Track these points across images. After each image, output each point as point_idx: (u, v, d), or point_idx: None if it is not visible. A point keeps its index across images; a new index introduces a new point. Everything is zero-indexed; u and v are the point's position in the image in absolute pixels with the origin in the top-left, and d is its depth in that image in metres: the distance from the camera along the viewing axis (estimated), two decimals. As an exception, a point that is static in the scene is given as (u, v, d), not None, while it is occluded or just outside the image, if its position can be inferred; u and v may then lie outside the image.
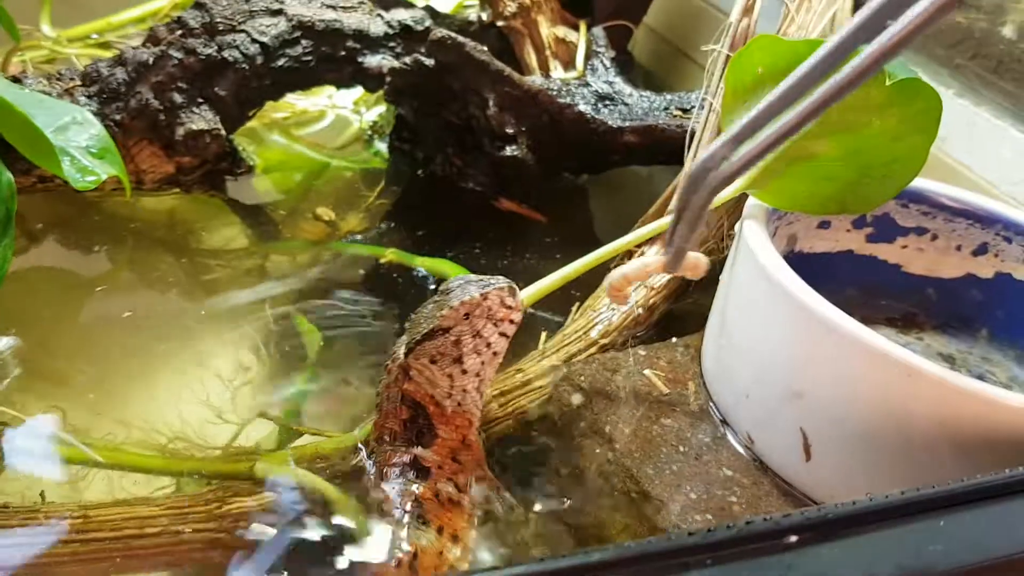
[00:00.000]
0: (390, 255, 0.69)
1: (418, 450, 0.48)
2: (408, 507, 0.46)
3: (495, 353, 0.50)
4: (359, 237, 0.76)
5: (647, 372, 0.60)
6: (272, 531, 0.48)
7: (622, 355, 0.61)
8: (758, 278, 0.53)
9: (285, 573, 0.46)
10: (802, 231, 0.65)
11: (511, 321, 0.50)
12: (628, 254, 0.69)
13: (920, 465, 0.47)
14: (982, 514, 0.36)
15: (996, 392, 0.45)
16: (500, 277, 0.51)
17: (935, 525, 0.35)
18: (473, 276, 0.51)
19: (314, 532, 0.48)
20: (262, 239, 0.77)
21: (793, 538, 0.34)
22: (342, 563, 0.47)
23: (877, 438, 0.48)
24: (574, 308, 0.66)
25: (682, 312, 0.69)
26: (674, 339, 0.64)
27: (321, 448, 0.51)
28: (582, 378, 0.58)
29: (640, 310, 0.64)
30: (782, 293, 0.50)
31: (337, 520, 0.48)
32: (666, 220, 0.61)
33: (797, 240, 0.66)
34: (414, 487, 0.47)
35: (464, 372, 0.49)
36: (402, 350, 0.49)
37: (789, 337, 0.51)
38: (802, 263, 0.65)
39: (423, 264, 0.68)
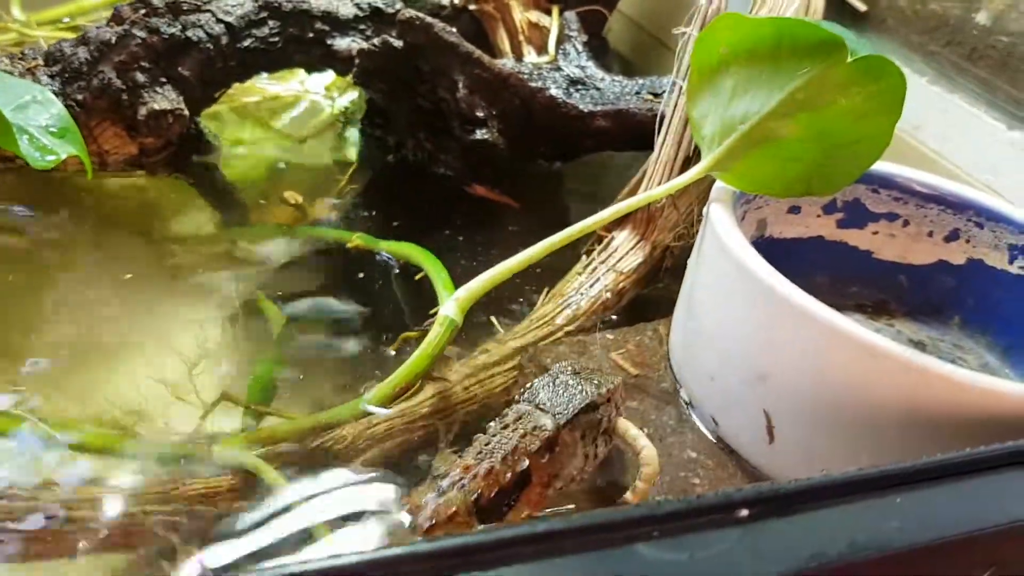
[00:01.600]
0: (356, 239, 0.68)
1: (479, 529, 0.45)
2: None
3: (608, 445, 0.50)
4: (329, 222, 0.75)
5: (613, 355, 0.59)
6: (226, 516, 0.47)
7: (589, 339, 0.61)
8: (724, 261, 0.52)
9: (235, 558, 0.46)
10: (772, 216, 0.65)
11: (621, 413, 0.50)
12: (598, 239, 0.69)
13: (886, 449, 0.47)
14: (940, 492, 0.36)
15: (964, 375, 0.44)
16: (611, 374, 0.51)
17: (891, 502, 0.35)
18: (584, 367, 0.51)
19: (265, 519, 0.47)
20: (229, 224, 0.76)
21: (744, 512, 0.33)
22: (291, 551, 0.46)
23: (841, 421, 0.47)
24: (543, 293, 0.65)
25: (652, 297, 0.68)
26: (643, 323, 0.64)
27: (277, 431, 0.50)
28: (548, 360, 0.58)
29: (608, 295, 0.64)
30: (747, 275, 0.50)
31: (280, 506, 0.47)
32: (632, 202, 0.60)
33: (767, 225, 0.65)
34: None
35: (595, 456, 0.48)
36: (550, 421, 0.46)
37: (753, 319, 0.50)
38: (772, 248, 0.65)
39: (388, 248, 0.67)
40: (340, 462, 0.51)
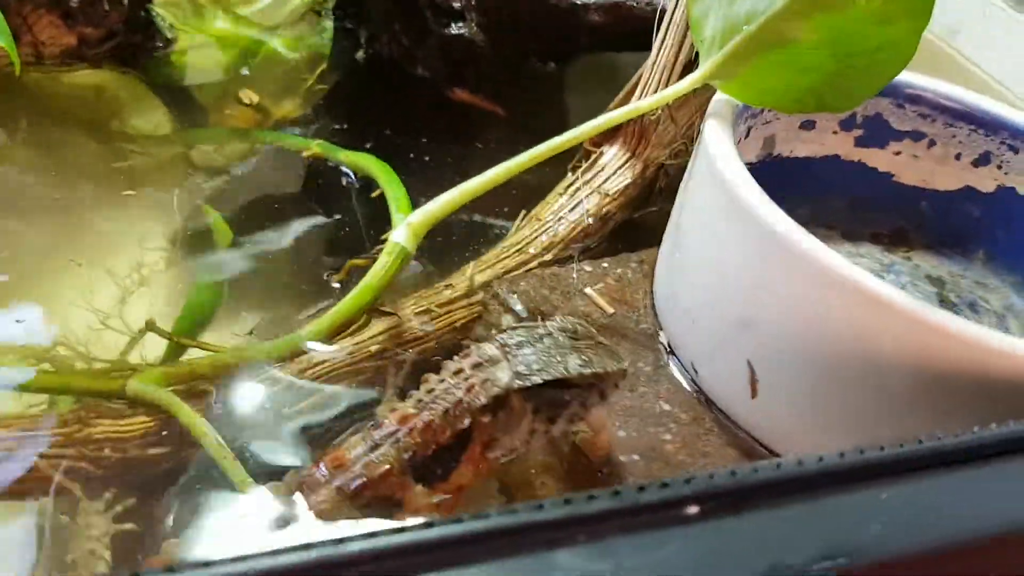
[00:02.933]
0: (315, 148, 0.61)
1: (417, 489, 0.39)
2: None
3: (580, 423, 0.42)
4: (293, 126, 0.69)
5: (589, 290, 0.53)
6: (137, 463, 0.43)
7: (564, 271, 0.54)
8: (712, 185, 0.45)
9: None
10: (781, 132, 0.57)
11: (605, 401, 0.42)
12: (585, 155, 0.61)
13: (886, 415, 0.41)
14: (934, 486, 0.30)
15: (981, 333, 0.37)
16: (616, 355, 0.42)
17: (874, 499, 0.29)
18: (596, 335, 0.43)
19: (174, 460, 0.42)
20: (185, 125, 0.69)
21: (694, 509, 0.27)
22: (201, 498, 0.41)
23: (835, 379, 0.41)
24: (519, 217, 0.58)
25: (643, 223, 0.61)
26: (627, 254, 0.57)
27: (198, 367, 0.45)
28: (514, 296, 0.51)
29: (591, 220, 0.57)
30: (736, 203, 0.43)
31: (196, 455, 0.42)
32: (619, 113, 0.53)
33: (775, 143, 0.58)
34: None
35: (546, 433, 0.41)
36: (506, 377, 0.40)
37: (741, 256, 0.44)
38: (781, 169, 0.58)
39: (346, 160, 0.60)
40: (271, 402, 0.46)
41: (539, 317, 0.49)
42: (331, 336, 0.46)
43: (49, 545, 0.41)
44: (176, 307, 0.54)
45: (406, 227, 0.47)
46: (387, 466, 0.39)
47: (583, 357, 0.41)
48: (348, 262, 0.50)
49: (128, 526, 0.42)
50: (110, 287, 0.54)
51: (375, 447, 0.39)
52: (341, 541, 0.23)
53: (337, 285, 0.52)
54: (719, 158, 0.45)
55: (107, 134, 0.68)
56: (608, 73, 0.79)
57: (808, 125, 0.57)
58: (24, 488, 0.41)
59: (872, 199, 0.59)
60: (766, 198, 0.42)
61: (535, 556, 0.25)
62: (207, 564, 0.23)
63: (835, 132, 0.58)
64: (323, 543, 0.24)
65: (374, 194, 0.55)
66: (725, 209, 0.44)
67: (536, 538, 0.26)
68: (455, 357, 0.42)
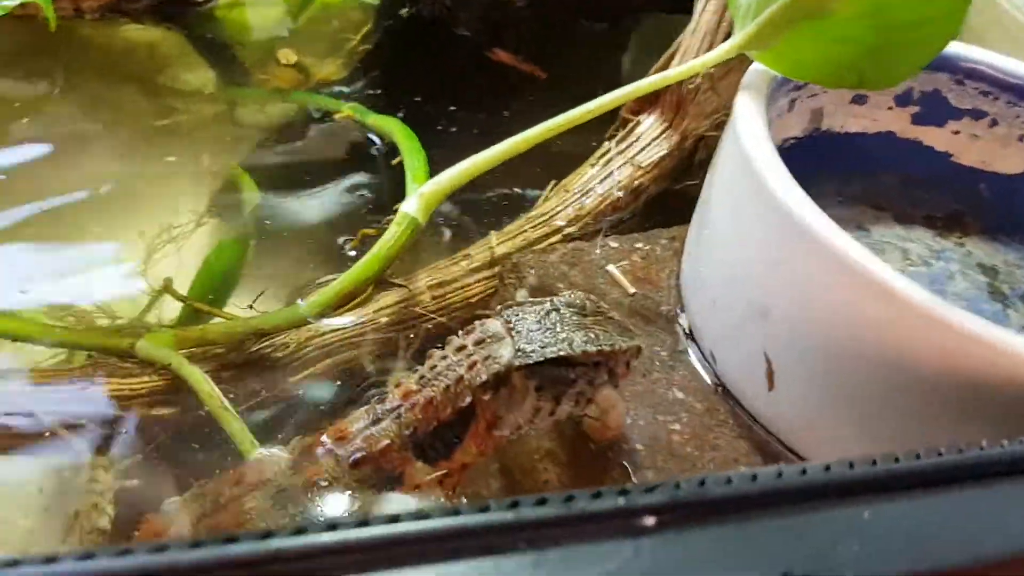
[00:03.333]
0: (347, 110, 0.60)
1: (418, 465, 0.39)
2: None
3: (589, 403, 0.41)
4: (333, 86, 0.68)
5: (611, 268, 0.51)
6: (135, 418, 0.43)
7: (589, 246, 0.52)
8: (737, 164, 0.43)
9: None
10: (830, 105, 0.54)
11: (618, 384, 0.41)
12: (623, 123, 0.59)
13: (905, 418, 0.38)
14: (923, 506, 0.28)
15: (1008, 338, 0.34)
16: (628, 332, 0.40)
17: (855, 517, 0.27)
18: (605, 310, 0.41)
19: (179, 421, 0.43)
20: (230, 83, 0.69)
21: (650, 520, 0.26)
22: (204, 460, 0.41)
23: (852, 377, 0.39)
24: (548, 186, 0.57)
25: (682, 195, 0.58)
26: (658, 230, 0.55)
27: (208, 333, 0.45)
28: (531, 271, 0.50)
29: (620, 193, 0.55)
30: (758, 183, 0.40)
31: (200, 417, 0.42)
32: (651, 81, 0.50)
33: (823, 116, 0.54)
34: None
35: (551, 414, 0.39)
36: (508, 354, 0.38)
37: (761, 239, 0.41)
38: (830, 144, 0.55)
39: (374, 123, 0.59)
40: (278, 371, 0.46)
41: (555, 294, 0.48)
42: (336, 307, 0.46)
43: (54, 497, 0.42)
44: (188, 268, 0.54)
45: (418, 197, 0.46)
46: (387, 441, 0.38)
47: (590, 334, 0.39)
48: (361, 231, 0.50)
49: (131, 483, 0.42)
50: (141, 244, 0.54)
51: (377, 421, 0.39)
52: (237, 540, 0.22)
53: (354, 253, 0.51)
54: (746, 135, 0.42)
55: (155, 90, 0.68)
56: (663, 35, 0.75)
57: (860, 100, 0.53)
58: (31, 440, 0.42)
59: (927, 179, 0.55)
60: (791, 181, 0.40)
61: (460, 563, 0.24)
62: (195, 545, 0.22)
63: (890, 108, 0.54)
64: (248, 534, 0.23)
65: (395, 161, 0.54)
66: (747, 188, 0.42)
67: (467, 543, 0.25)
68: (460, 333, 0.41)
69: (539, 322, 0.40)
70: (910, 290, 0.35)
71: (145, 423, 0.44)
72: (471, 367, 0.39)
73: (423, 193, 0.46)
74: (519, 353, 0.38)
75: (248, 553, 0.23)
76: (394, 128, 0.56)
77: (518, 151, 0.47)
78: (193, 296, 0.49)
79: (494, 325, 0.40)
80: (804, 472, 0.27)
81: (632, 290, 0.50)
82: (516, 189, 0.59)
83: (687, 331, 0.48)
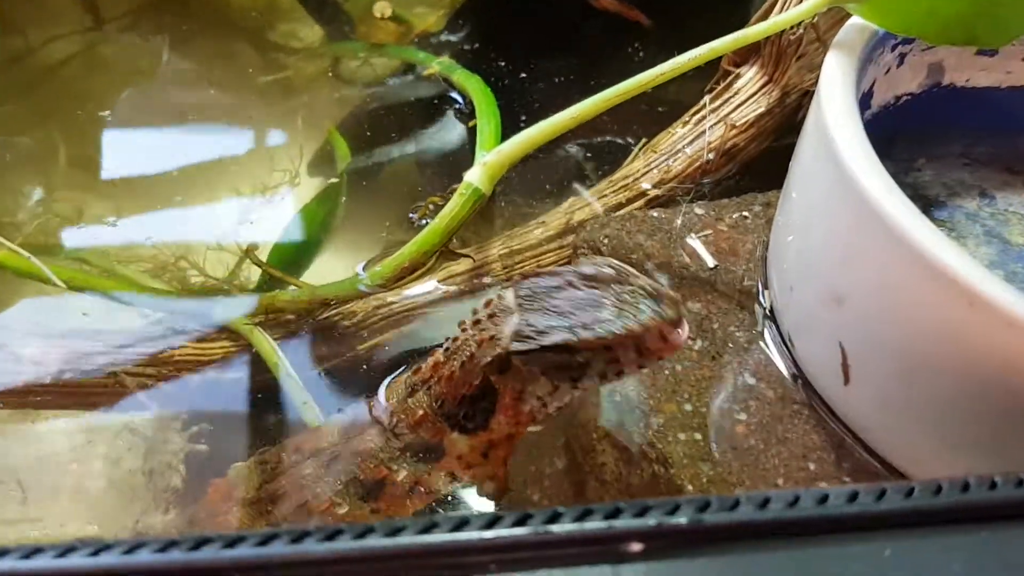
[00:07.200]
0: (435, 66, 0.59)
1: (454, 436, 0.38)
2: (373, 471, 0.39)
3: (621, 375, 0.37)
4: (437, 39, 0.67)
5: (691, 239, 0.48)
6: (207, 381, 0.45)
7: (671, 213, 0.49)
8: (817, 134, 0.39)
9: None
10: (951, 59, 0.48)
11: (662, 357, 0.36)
12: (724, 75, 0.55)
13: (984, 424, 0.34)
14: (948, 543, 0.24)
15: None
16: (666, 293, 0.35)
17: (876, 552, 0.24)
18: (632, 276, 0.36)
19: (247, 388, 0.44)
20: (334, 37, 0.69)
21: (636, 546, 0.24)
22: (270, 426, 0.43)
23: (926, 375, 0.35)
24: (636, 147, 0.54)
25: (784, 155, 0.54)
26: (752, 195, 0.51)
27: (276, 300, 0.46)
28: (605, 241, 0.48)
29: (710, 156, 0.51)
30: (836, 159, 0.36)
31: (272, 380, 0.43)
32: (745, 33, 0.46)
33: (944, 70, 0.48)
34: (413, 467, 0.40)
35: (574, 389, 0.37)
36: (508, 332, 0.36)
37: (839, 220, 0.37)
38: (954, 100, 0.49)
39: (457, 81, 0.58)
40: (344, 340, 0.46)
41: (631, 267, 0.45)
42: (397, 279, 0.45)
43: (129, 454, 0.44)
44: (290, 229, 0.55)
45: (480, 167, 0.45)
46: (421, 411, 0.38)
47: (602, 315, 0.35)
48: (428, 199, 0.49)
49: (201, 446, 0.44)
50: (233, 208, 0.56)
51: (413, 391, 0.39)
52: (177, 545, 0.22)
53: (425, 222, 0.50)
54: (828, 99, 0.38)
55: (266, 45, 0.70)
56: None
57: (987, 51, 0.47)
58: (110, 398, 0.45)
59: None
60: (872, 159, 0.35)
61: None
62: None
63: (1024, 59, 0.47)
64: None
65: (471, 123, 0.53)
66: (826, 162, 0.38)
67: (431, 563, 0.24)
68: (483, 304, 0.38)
69: (550, 298, 0.36)
70: (996, 292, 0.31)
71: (216, 387, 0.45)
72: (480, 344, 0.36)
73: (486, 163, 0.45)
74: (517, 337, 0.35)
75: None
76: (474, 87, 0.55)
77: (597, 111, 0.45)
78: (272, 262, 0.50)
79: (510, 298, 0.37)
80: (823, 499, 0.25)
81: (712, 263, 0.47)
82: (615, 139, 0.57)
83: (767, 311, 0.44)
